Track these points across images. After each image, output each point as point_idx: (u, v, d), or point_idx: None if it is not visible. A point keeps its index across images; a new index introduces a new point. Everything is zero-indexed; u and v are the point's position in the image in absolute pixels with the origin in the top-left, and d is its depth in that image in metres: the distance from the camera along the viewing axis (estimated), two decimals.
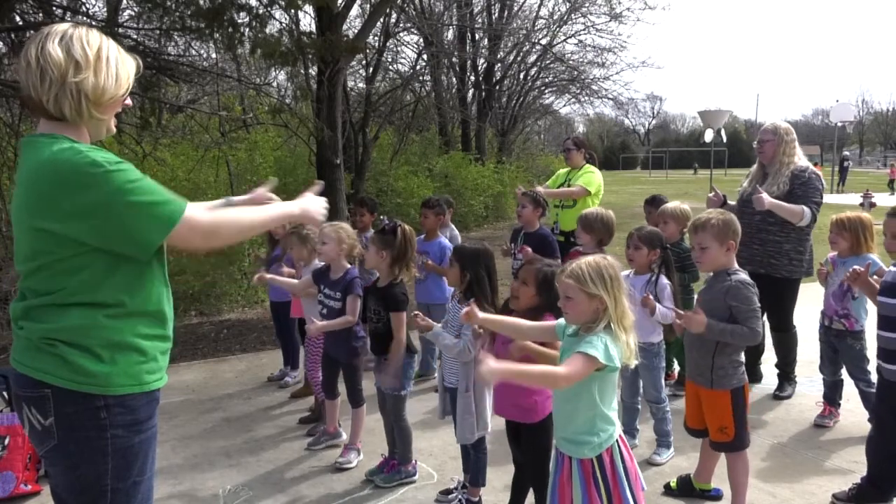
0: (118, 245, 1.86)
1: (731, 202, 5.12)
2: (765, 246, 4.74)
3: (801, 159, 4.80)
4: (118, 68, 1.95)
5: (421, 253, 5.35)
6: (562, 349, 2.64)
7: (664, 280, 3.94)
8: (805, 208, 4.60)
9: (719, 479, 3.55)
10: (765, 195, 4.53)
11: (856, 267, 3.49)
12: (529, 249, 5.06)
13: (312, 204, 2.25)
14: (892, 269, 3.37)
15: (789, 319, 4.92)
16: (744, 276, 3.24)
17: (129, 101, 2.05)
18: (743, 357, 3.30)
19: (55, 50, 1.86)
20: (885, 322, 3.33)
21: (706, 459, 3.58)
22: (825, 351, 4.57)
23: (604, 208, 4.82)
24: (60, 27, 1.92)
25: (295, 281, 4.55)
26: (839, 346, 4.40)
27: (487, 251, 3.50)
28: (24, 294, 1.93)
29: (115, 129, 2.08)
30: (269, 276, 4.61)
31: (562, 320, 2.67)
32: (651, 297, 3.86)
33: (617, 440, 2.55)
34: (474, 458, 3.48)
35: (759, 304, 3.19)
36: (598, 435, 2.50)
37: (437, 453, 4.20)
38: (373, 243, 3.78)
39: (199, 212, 1.95)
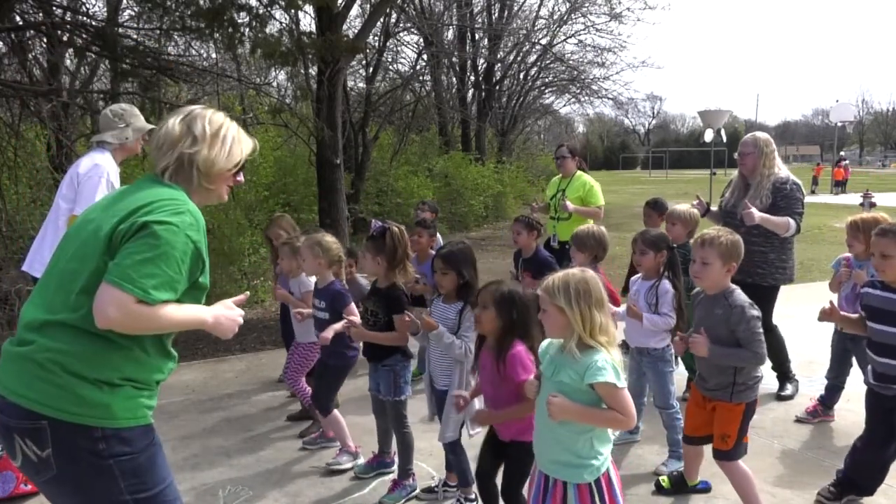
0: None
1: (714, 208, 5.27)
2: (751, 256, 4.75)
3: (780, 169, 4.93)
4: (233, 146, 2.12)
5: (419, 274, 5.23)
6: (547, 367, 2.52)
7: (666, 285, 3.82)
8: (790, 220, 4.75)
9: (720, 479, 3.55)
10: (754, 210, 4.64)
11: (825, 307, 3.42)
12: (529, 278, 5.02)
13: (227, 317, 2.10)
14: (871, 291, 3.34)
15: (770, 320, 4.95)
16: (743, 297, 3.17)
17: (240, 179, 2.20)
18: (760, 371, 3.27)
19: (176, 125, 2.07)
20: (876, 347, 3.30)
21: (692, 460, 3.57)
22: (833, 355, 4.57)
23: (595, 225, 4.82)
24: (195, 109, 2.13)
25: (303, 307, 4.42)
26: (853, 347, 4.35)
27: (469, 248, 3.52)
28: (44, 306, 1.91)
29: (225, 198, 2.25)
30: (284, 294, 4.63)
31: (544, 342, 2.60)
32: (635, 305, 3.82)
33: (610, 462, 2.50)
34: (454, 461, 3.49)
35: (762, 328, 3.15)
36: (597, 458, 2.43)
37: (437, 453, 4.19)
38: (367, 250, 3.72)
39: (154, 309, 1.86)
